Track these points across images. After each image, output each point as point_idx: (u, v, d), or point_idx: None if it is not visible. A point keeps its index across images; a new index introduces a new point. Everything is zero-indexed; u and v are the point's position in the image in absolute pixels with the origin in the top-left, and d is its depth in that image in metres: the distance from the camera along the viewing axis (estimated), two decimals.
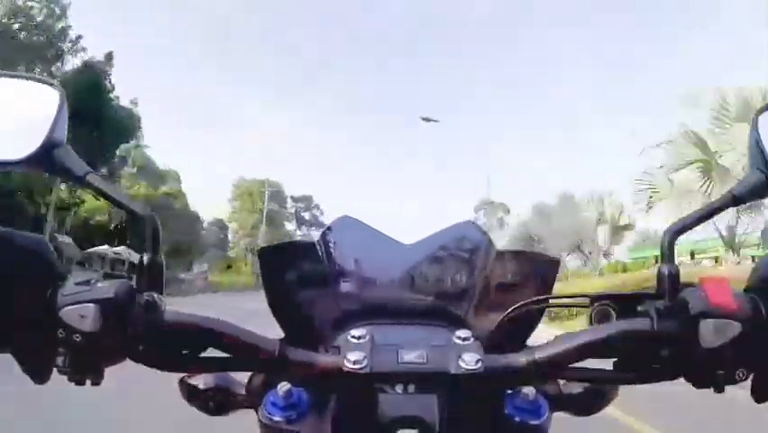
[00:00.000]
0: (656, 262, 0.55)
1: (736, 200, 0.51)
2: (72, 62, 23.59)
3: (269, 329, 0.57)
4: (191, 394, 0.67)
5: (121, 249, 25.91)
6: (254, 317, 0.96)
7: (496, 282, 0.63)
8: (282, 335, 0.62)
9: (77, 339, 0.44)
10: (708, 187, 13.09)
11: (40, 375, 0.47)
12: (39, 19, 21.78)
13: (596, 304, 0.53)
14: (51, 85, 0.53)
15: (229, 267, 46.95)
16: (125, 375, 0.66)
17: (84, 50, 23.56)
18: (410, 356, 0.49)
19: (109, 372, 0.48)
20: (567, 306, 0.57)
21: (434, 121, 22.12)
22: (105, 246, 27.05)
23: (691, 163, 13.68)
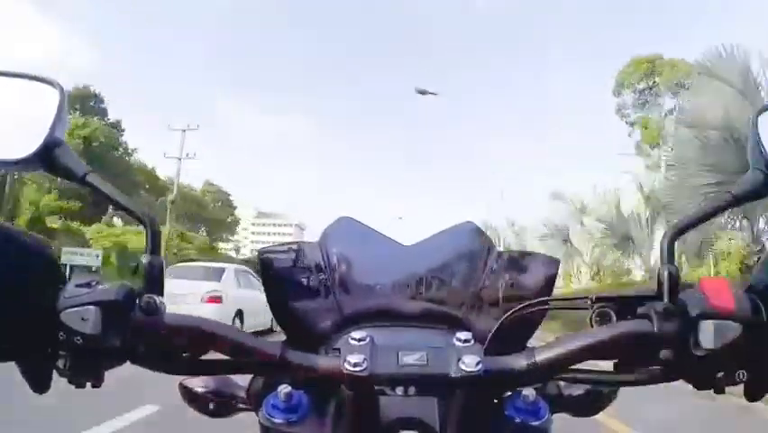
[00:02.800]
0: None
1: (736, 200, 0.51)
2: None
3: None
4: (192, 397, 0.67)
5: None
6: None
7: (496, 284, 0.63)
8: (283, 337, 0.62)
9: (78, 341, 0.44)
10: None
11: (40, 382, 0.46)
12: None
13: (596, 305, 0.53)
14: (51, 84, 0.52)
15: None
16: None
17: None
18: (410, 359, 0.48)
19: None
20: (568, 308, 0.57)
21: (432, 93, 19.53)
22: None
23: None
